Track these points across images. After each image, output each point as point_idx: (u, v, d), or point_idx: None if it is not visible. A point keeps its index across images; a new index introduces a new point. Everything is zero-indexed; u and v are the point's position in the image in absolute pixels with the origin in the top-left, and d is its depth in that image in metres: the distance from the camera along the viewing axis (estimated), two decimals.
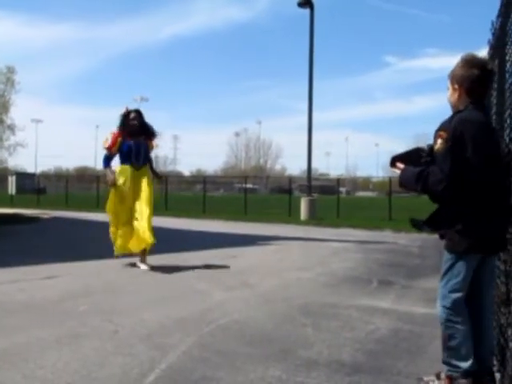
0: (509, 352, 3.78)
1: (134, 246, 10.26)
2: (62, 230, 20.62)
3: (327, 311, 6.88)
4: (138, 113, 10.69)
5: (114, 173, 10.45)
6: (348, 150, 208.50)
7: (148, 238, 9.94)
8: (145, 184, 10.42)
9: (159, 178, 11.38)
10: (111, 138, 10.49)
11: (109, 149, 10.47)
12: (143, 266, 10.26)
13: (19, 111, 56.22)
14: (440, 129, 3.91)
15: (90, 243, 15.42)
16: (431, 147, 4.05)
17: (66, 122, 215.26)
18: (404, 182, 4.20)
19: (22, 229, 19.90)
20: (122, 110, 10.65)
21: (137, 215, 10.19)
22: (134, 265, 10.42)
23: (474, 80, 3.95)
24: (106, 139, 10.55)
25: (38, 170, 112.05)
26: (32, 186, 58.81)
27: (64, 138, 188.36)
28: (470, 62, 3.97)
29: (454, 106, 4.06)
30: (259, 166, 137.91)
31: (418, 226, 4.20)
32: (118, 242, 10.44)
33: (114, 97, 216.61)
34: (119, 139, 10.41)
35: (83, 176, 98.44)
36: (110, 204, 10.57)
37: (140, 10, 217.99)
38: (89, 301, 7.27)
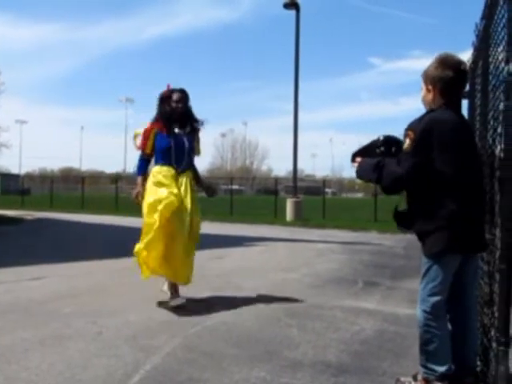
0: (492, 352, 3.79)
1: (168, 273, 7.25)
2: (47, 231, 20.52)
3: (312, 312, 6.89)
4: (184, 94, 7.50)
5: (142, 185, 7.34)
6: (334, 151, 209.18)
7: (183, 277, 7.25)
8: (189, 198, 7.22)
9: (211, 194, 7.97)
10: (142, 132, 7.44)
11: (142, 148, 7.41)
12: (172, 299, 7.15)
13: (3, 112, 56.05)
14: (409, 128, 3.93)
15: (76, 244, 15.42)
16: (387, 137, 4.18)
17: (51, 123, 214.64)
18: (361, 173, 4.28)
19: (7, 230, 19.81)
20: (162, 90, 7.54)
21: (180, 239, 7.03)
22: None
23: (447, 81, 3.96)
24: (135, 135, 7.55)
25: (23, 171, 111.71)
26: (16, 187, 58.62)
27: (49, 138, 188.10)
28: (444, 63, 3.98)
29: (427, 106, 4.08)
30: (245, 167, 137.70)
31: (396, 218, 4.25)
32: (150, 264, 7.09)
33: (99, 98, 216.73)
34: (154, 130, 7.35)
35: (68, 177, 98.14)
36: (147, 214, 7.06)
37: (124, 11, 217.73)
38: (74, 302, 7.25)
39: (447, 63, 3.99)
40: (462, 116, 4.15)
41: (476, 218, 3.97)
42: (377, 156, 4.17)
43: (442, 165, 3.81)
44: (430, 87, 4.03)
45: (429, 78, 4.04)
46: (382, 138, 4.25)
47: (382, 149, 4.18)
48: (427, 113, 3.99)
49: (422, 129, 3.84)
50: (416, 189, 3.93)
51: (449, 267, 3.94)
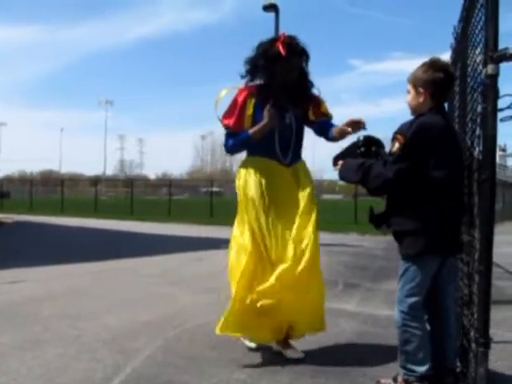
0: (471, 353, 3.80)
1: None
2: (26, 235, 20.39)
3: None
4: (304, 54, 5.18)
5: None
6: (314, 152, 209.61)
7: (317, 321, 5.26)
8: (305, 199, 5.02)
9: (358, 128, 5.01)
10: (234, 99, 5.22)
11: (234, 128, 5.21)
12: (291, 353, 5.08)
13: None
14: (398, 132, 3.94)
15: (55, 247, 15.32)
16: (366, 137, 4.25)
17: (30, 125, 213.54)
18: (343, 174, 4.29)
19: None
20: (271, 39, 5.22)
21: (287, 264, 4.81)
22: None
23: (439, 84, 3.97)
24: (218, 100, 5.27)
25: (2, 174, 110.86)
26: None
27: (28, 141, 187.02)
28: (435, 66, 3.99)
29: (415, 110, 4.07)
30: (225, 170, 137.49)
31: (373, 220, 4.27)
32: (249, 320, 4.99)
33: (78, 100, 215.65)
34: (252, 101, 5.16)
35: (48, 180, 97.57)
36: (239, 242, 5.16)
37: (105, 12, 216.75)
38: (53, 305, 7.20)
39: (437, 66, 3.99)
40: (448, 119, 4.17)
41: (456, 221, 3.99)
42: (358, 156, 4.19)
43: (430, 168, 3.81)
44: (421, 90, 4.01)
45: (419, 82, 4.02)
46: (362, 138, 4.28)
47: (363, 149, 4.21)
48: (417, 117, 3.99)
49: (412, 133, 3.84)
50: (402, 191, 3.94)
51: (427, 269, 3.95)
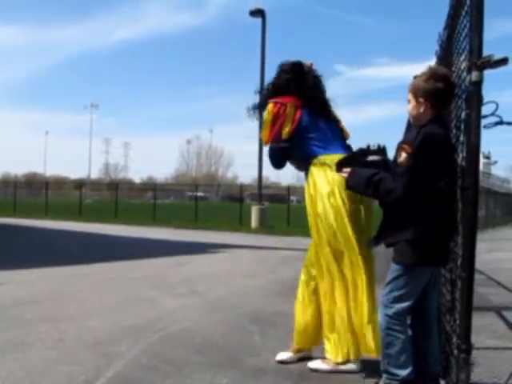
0: (453, 359, 3.81)
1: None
2: (9, 237, 20.30)
3: (276, 319, 6.87)
4: (290, 70, 5.21)
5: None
6: None
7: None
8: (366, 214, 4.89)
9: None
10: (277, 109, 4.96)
11: (274, 138, 5.04)
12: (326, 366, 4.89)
13: None
14: (405, 142, 3.92)
15: (39, 250, 15.24)
16: (374, 146, 4.17)
17: (14, 128, 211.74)
18: (353, 184, 4.24)
19: None
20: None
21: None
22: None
23: (439, 94, 3.92)
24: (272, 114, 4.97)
25: None
26: None
27: (12, 143, 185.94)
28: (436, 76, 3.92)
29: (416, 120, 4.02)
30: (210, 174, 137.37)
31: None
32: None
33: (63, 102, 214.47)
34: (298, 113, 4.96)
35: (32, 182, 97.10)
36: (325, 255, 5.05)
37: (89, 14, 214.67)
38: (35, 308, 7.17)
39: (438, 75, 3.93)
40: (446, 129, 4.16)
41: (452, 231, 3.98)
42: (363, 165, 4.14)
43: (435, 178, 3.79)
44: (422, 100, 3.95)
45: (420, 91, 3.94)
46: (371, 147, 4.22)
47: (370, 158, 4.15)
48: (421, 127, 3.94)
49: (420, 143, 3.79)
50: (413, 204, 3.90)
51: (420, 279, 3.95)
